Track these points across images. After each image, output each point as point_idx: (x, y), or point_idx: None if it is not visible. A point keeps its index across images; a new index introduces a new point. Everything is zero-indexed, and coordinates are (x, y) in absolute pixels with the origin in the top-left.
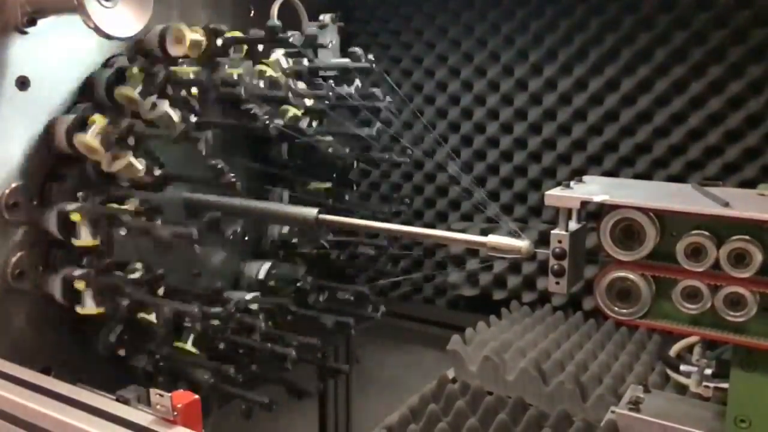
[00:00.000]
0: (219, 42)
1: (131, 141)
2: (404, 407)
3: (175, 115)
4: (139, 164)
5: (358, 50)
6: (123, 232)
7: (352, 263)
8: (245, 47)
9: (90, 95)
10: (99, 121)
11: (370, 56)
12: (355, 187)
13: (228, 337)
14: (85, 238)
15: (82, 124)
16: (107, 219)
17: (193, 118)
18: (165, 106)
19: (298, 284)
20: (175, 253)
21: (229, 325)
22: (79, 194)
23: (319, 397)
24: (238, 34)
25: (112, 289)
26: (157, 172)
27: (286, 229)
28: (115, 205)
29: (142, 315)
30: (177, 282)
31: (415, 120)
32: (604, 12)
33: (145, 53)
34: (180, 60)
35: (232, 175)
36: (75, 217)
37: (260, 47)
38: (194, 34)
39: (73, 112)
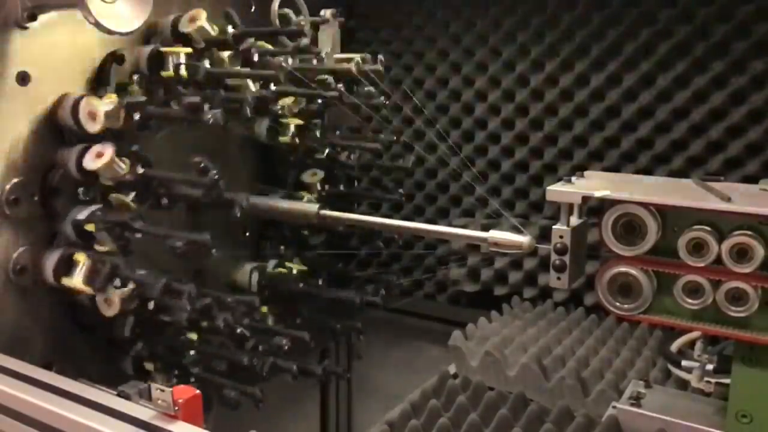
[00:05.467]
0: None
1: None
2: (405, 402)
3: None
4: (122, 163)
5: (329, 16)
6: (138, 235)
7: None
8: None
9: None
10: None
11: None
12: (356, 183)
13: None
14: (102, 246)
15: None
16: (121, 227)
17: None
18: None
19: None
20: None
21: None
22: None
23: (321, 392)
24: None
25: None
26: (140, 170)
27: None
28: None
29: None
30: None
31: (416, 116)
32: (606, 7)
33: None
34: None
35: (215, 172)
36: (90, 227)
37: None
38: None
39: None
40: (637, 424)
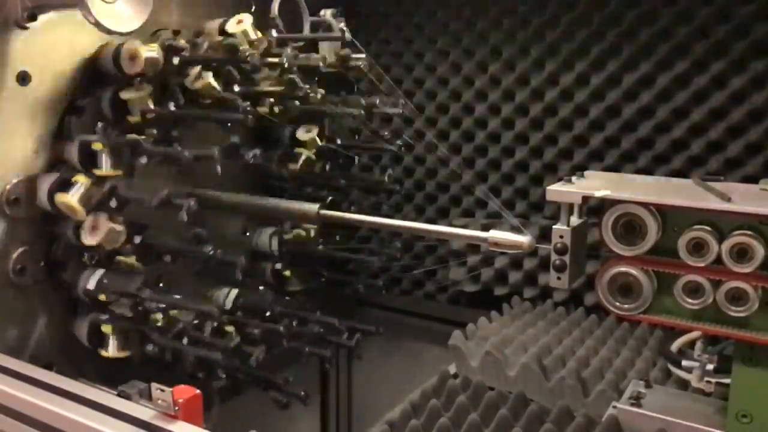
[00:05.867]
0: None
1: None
2: (405, 402)
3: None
4: (118, 227)
5: (328, 16)
6: (144, 160)
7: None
8: None
9: None
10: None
11: (342, 25)
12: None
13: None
14: (106, 168)
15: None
16: (129, 146)
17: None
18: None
19: (267, 314)
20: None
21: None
22: (98, 126)
23: (321, 391)
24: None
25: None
26: (137, 240)
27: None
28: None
29: None
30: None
31: (416, 115)
32: (606, 7)
33: None
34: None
35: (210, 247)
36: (96, 146)
37: None
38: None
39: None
40: (637, 424)
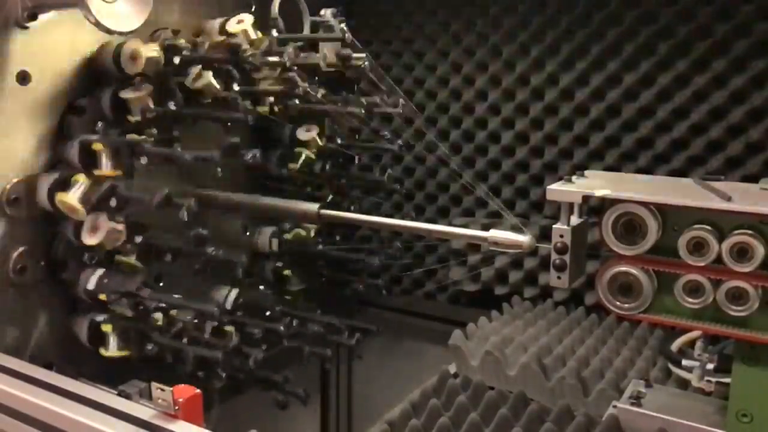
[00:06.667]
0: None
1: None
2: (405, 402)
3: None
4: (119, 227)
5: (329, 16)
6: (144, 161)
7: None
8: None
9: None
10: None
11: (343, 26)
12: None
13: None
14: (106, 168)
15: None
16: (128, 148)
17: (236, 87)
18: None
19: (267, 313)
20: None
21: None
22: (99, 125)
23: (321, 391)
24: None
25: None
26: (138, 239)
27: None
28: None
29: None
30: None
31: (416, 115)
32: (606, 6)
33: None
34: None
35: (212, 248)
36: (97, 146)
37: None
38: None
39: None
40: (637, 423)
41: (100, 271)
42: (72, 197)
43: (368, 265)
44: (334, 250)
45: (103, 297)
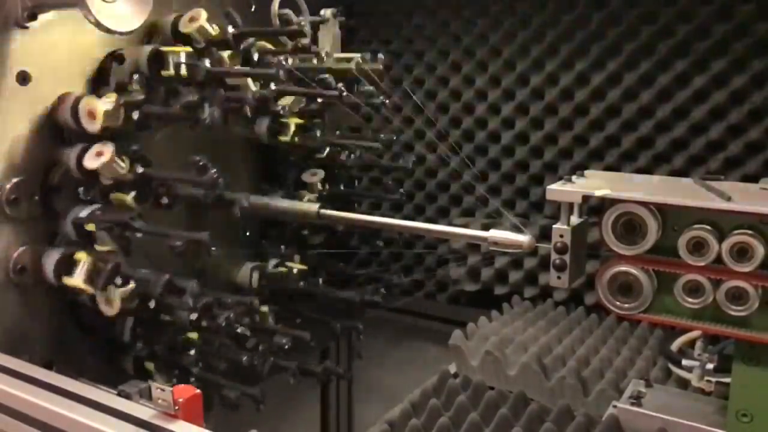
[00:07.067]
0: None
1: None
2: (405, 402)
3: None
4: (122, 162)
5: (329, 16)
6: (138, 234)
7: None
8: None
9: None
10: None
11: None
12: (357, 183)
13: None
14: (103, 245)
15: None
16: (121, 227)
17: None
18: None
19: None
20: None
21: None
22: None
23: (321, 391)
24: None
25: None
26: (140, 169)
27: None
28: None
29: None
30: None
31: (416, 115)
32: (606, 7)
33: None
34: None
35: (214, 170)
36: (90, 227)
37: None
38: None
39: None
40: (637, 423)
41: (94, 206)
42: (78, 281)
43: (350, 301)
44: (316, 289)
45: (91, 227)
